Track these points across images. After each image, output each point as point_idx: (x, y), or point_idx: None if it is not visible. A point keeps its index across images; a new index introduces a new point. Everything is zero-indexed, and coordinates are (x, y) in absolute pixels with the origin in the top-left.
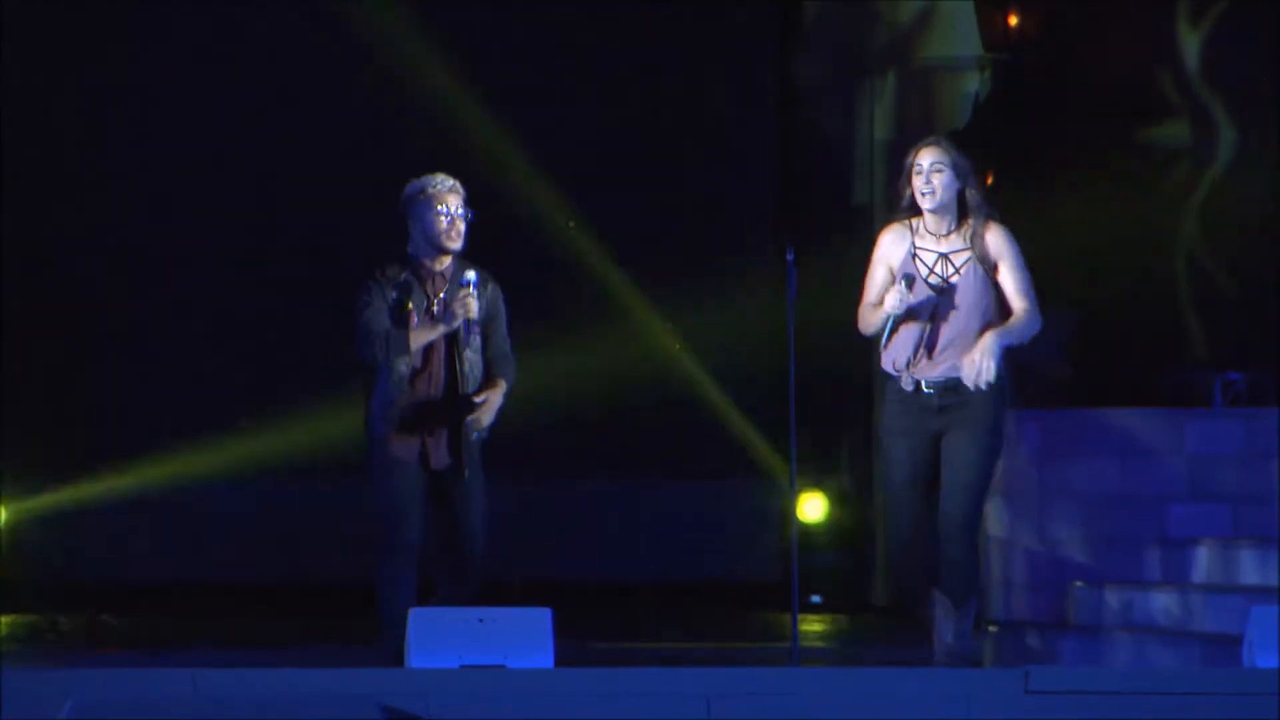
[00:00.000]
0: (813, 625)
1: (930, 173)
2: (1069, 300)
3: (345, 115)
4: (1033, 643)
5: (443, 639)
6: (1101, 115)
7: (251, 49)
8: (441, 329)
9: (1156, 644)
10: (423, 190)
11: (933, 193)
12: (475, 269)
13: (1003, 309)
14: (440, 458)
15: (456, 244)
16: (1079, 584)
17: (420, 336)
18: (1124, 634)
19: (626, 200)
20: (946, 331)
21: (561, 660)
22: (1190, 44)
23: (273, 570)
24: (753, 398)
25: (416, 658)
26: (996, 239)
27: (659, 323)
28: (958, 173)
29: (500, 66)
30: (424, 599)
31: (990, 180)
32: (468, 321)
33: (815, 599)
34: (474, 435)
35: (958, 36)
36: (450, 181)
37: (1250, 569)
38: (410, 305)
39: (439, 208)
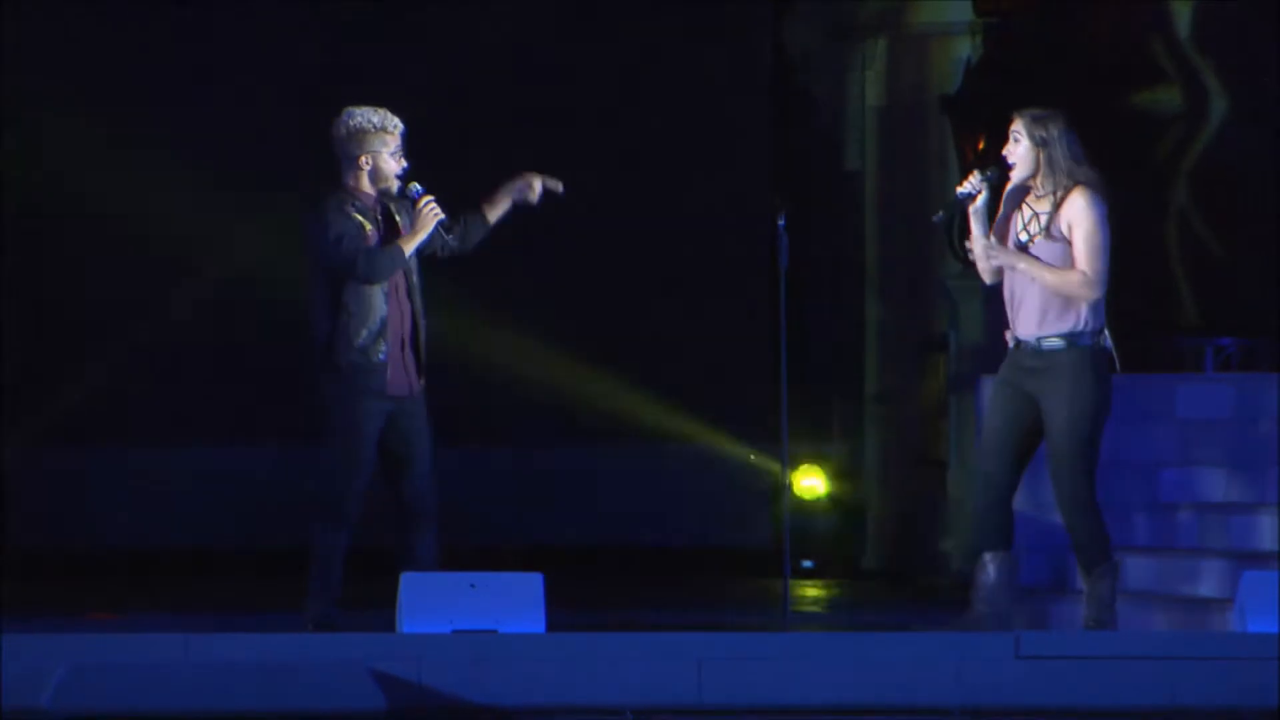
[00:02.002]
0: (804, 590)
1: (1011, 141)
2: None
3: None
4: (1023, 608)
5: (435, 604)
6: (1093, 81)
7: (256, 47)
8: (422, 235)
9: (1148, 608)
10: (381, 127)
11: (1016, 164)
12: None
13: None
14: (412, 381)
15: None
16: (1069, 549)
17: (408, 245)
18: (1116, 598)
19: (621, 169)
20: (1020, 291)
21: (553, 626)
22: (1182, 10)
23: (265, 535)
24: (746, 364)
25: (409, 623)
26: (1074, 207)
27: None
28: (1034, 140)
29: (491, 39)
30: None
31: (981, 146)
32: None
33: (806, 564)
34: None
35: (949, 2)
36: (396, 119)
37: (1241, 534)
38: (369, 228)
39: (392, 148)
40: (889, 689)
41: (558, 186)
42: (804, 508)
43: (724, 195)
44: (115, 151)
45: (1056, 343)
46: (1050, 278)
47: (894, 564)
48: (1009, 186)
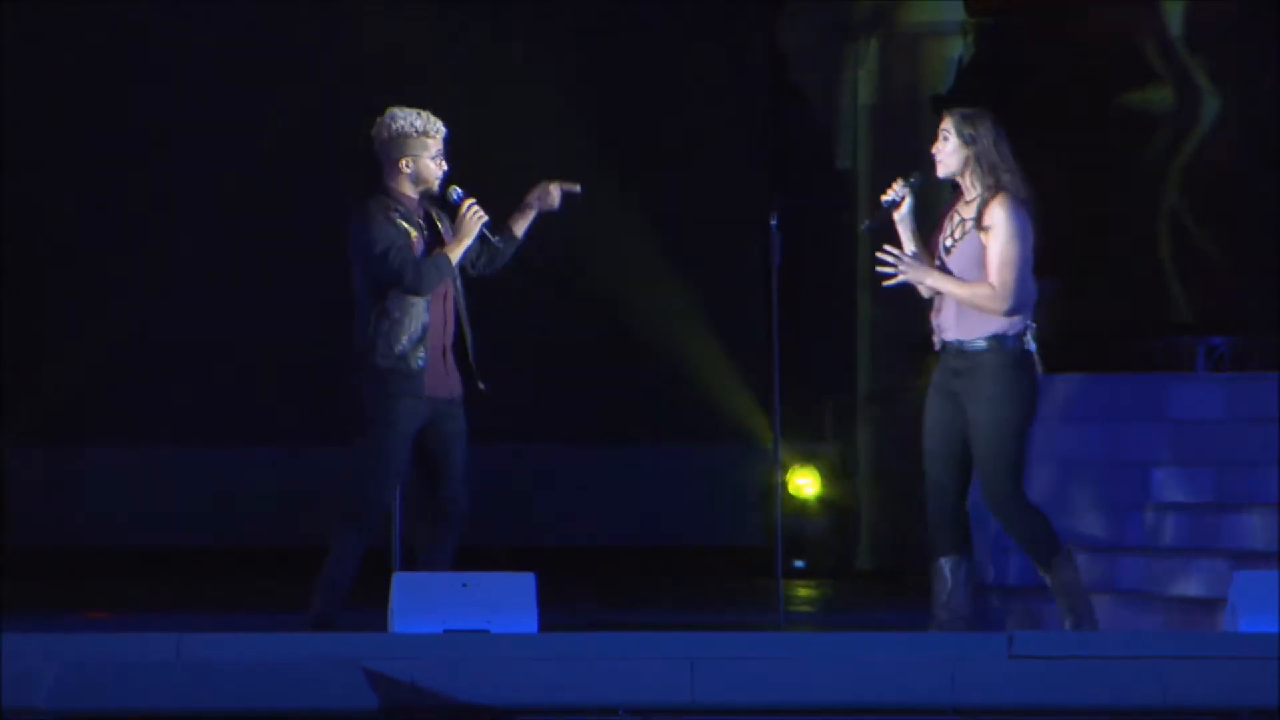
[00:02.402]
0: (798, 590)
1: (940, 139)
2: (1050, 265)
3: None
4: (1016, 607)
5: (427, 604)
6: (1084, 80)
7: (260, 47)
8: (467, 241)
9: (1140, 608)
10: (424, 131)
11: (941, 162)
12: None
13: None
14: (453, 385)
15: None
16: None
17: (455, 253)
18: (1107, 598)
19: (614, 167)
20: (938, 298)
21: (545, 625)
22: (1173, 10)
23: (258, 534)
24: (740, 362)
25: (401, 623)
26: (992, 216)
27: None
28: (962, 138)
29: (489, 40)
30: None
31: None
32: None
33: (799, 564)
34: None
35: (941, 2)
36: (439, 123)
37: (1233, 533)
38: (414, 234)
39: (433, 151)
40: (882, 688)
41: (575, 188)
42: (797, 507)
43: (717, 194)
44: (115, 151)
45: (979, 344)
46: (961, 292)
47: (887, 564)
48: (959, 200)
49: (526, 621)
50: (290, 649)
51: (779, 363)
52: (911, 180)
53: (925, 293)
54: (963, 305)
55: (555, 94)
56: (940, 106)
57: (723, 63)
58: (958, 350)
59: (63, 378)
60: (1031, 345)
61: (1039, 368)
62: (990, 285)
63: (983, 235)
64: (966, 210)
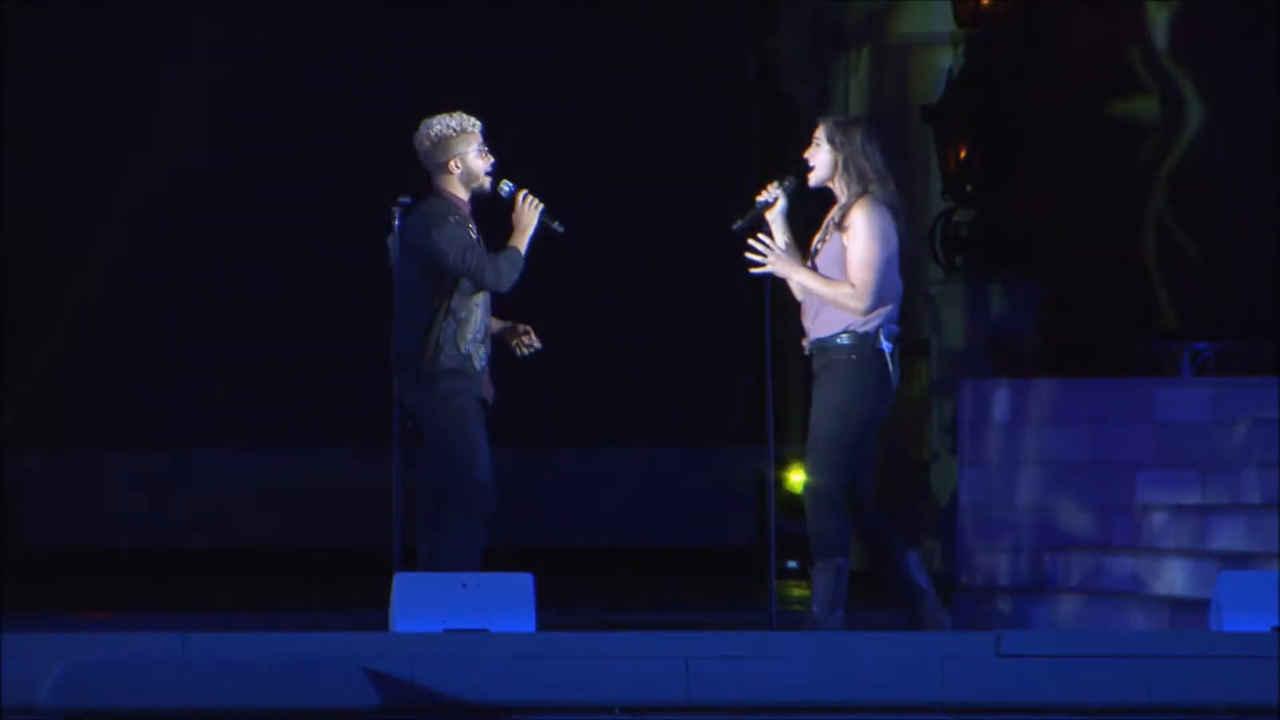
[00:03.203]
0: (790, 590)
1: (813, 145)
2: (1039, 271)
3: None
4: (1004, 607)
5: (427, 604)
6: (1072, 90)
7: (257, 50)
8: (529, 230)
9: (1126, 608)
10: (462, 129)
11: (812, 168)
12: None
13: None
14: (491, 388)
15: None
16: (1050, 549)
17: (521, 245)
18: (1094, 598)
19: (606, 175)
20: (807, 297)
21: (544, 625)
22: (1159, 20)
23: (262, 534)
24: (731, 365)
25: (402, 622)
26: (854, 218)
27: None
28: (834, 145)
29: (482, 49)
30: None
31: (963, 154)
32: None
33: (791, 564)
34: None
35: (931, 13)
36: (473, 119)
37: (1218, 534)
38: (474, 234)
39: (477, 146)
40: (873, 687)
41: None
42: (789, 508)
43: (709, 202)
44: (121, 156)
45: (833, 341)
46: (823, 290)
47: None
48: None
49: (525, 621)
50: (293, 648)
51: (770, 365)
52: (786, 183)
53: (797, 292)
54: (825, 302)
55: (544, 104)
56: (930, 116)
57: (713, 72)
58: (818, 349)
59: (67, 380)
60: (886, 345)
61: (891, 367)
62: (850, 284)
63: (844, 236)
64: (837, 215)
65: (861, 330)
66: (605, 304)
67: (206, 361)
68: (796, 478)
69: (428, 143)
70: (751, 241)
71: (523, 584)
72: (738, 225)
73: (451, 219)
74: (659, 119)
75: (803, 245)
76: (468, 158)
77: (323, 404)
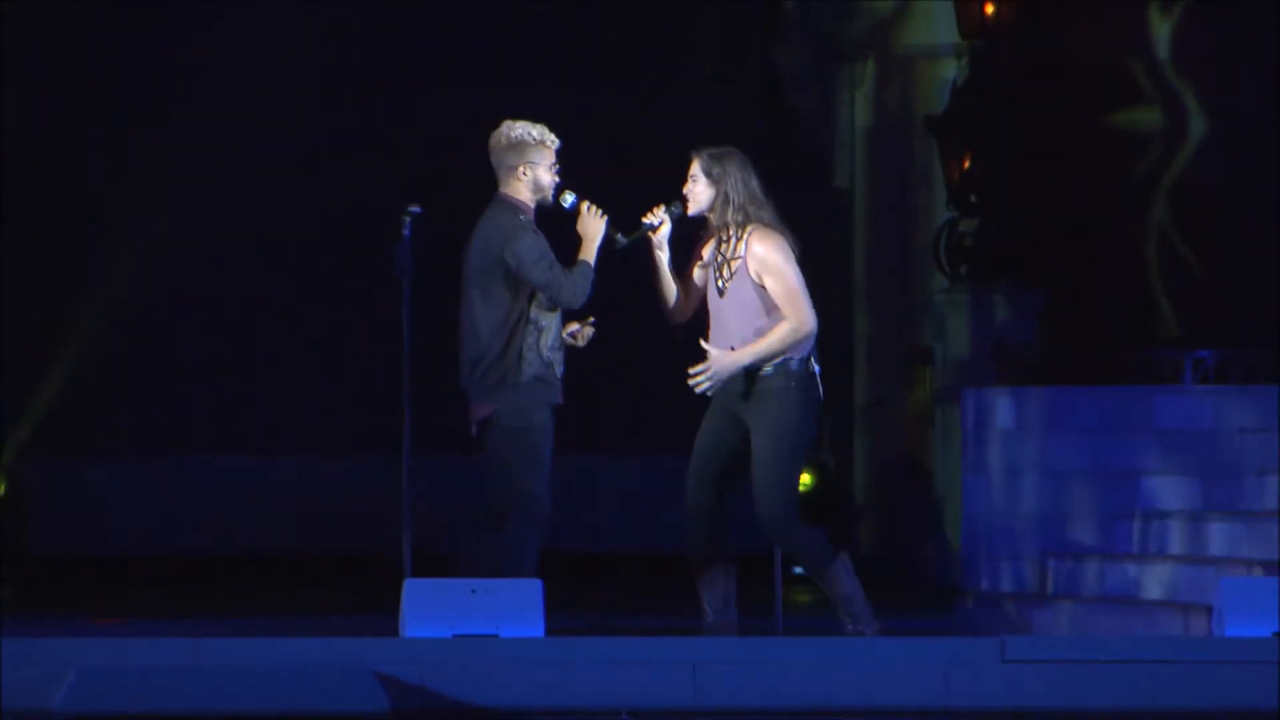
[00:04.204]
0: (795, 596)
1: (689, 179)
2: (1042, 280)
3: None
4: (1008, 613)
5: (437, 609)
6: (1075, 101)
7: (261, 53)
8: (597, 241)
9: (1128, 614)
10: (540, 140)
11: (692, 200)
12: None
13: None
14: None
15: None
16: (1053, 555)
17: (591, 257)
18: (1097, 604)
19: (610, 187)
20: (723, 319)
21: (552, 630)
22: (1161, 32)
23: (273, 540)
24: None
25: (411, 627)
26: (756, 256)
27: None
28: (710, 177)
29: (484, 58)
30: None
31: (967, 164)
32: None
33: (796, 570)
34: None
35: (935, 24)
36: (554, 135)
37: (1219, 541)
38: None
39: (549, 161)
40: (877, 691)
41: (590, 329)
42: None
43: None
44: (128, 163)
45: (766, 370)
46: (775, 346)
47: (882, 569)
48: (711, 236)
49: (534, 626)
50: (304, 654)
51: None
52: (672, 209)
53: (682, 320)
54: (782, 352)
55: (547, 114)
56: (934, 127)
57: (718, 84)
58: (752, 379)
59: (78, 389)
60: (816, 367)
61: (820, 390)
62: (789, 323)
63: (753, 272)
64: (727, 249)
65: (795, 356)
66: (611, 311)
67: (217, 368)
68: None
69: (505, 141)
70: (690, 373)
71: (531, 589)
72: (622, 243)
73: (530, 230)
74: (663, 130)
75: (679, 265)
76: (538, 169)
77: (334, 410)
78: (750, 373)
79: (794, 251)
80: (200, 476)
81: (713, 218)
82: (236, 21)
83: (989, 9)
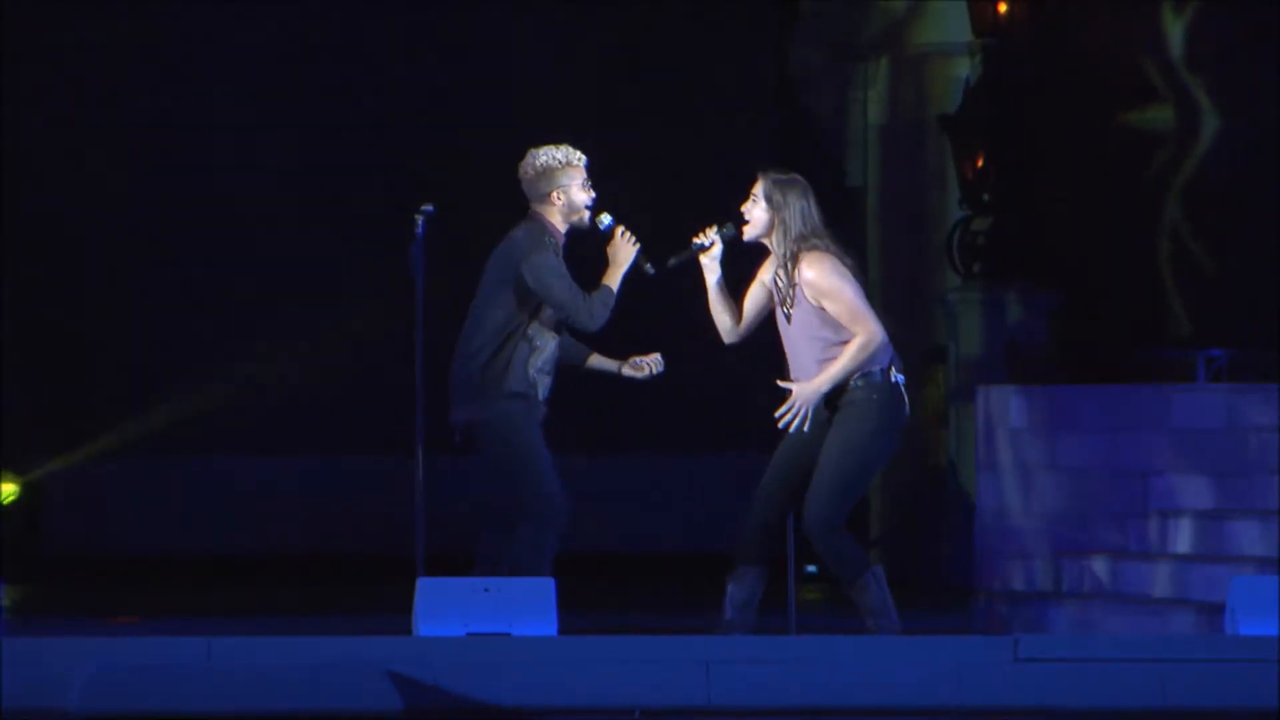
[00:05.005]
0: (809, 595)
1: (750, 200)
2: (1055, 279)
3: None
4: (1021, 612)
5: (450, 608)
6: (1088, 100)
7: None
8: (624, 267)
9: (1142, 613)
10: (567, 162)
11: (750, 223)
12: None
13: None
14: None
15: None
16: (1066, 554)
17: (615, 283)
18: (1110, 603)
19: (624, 185)
20: (792, 348)
21: (565, 629)
22: (1174, 30)
23: (286, 540)
24: (752, 373)
25: (424, 626)
26: (810, 281)
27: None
28: (770, 203)
29: (499, 60)
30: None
31: (980, 163)
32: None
33: (810, 569)
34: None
35: (948, 23)
36: (579, 153)
37: (1233, 540)
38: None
39: (581, 179)
40: (891, 690)
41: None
42: None
43: (726, 213)
44: (145, 167)
45: (849, 384)
46: (849, 366)
47: (896, 569)
48: (768, 259)
49: (546, 625)
50: (317, 653)
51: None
52: (724, 229)
53: (823, 386)
54: (859, 368)
55: (561, 118)
56: (948, 126)
57: (732, 83)
58: (839, 392)
59: (93, 390)
60: (899, 377)
61: (906, 400)
62: (858, 339)
63: (809, 297)
64: (785, 277)
65: (876, 369)
66: (623, 310)
67: (230, 368)
68: None
69: (532, 172)
70: (781, 416)
71: (544, 589)
72: (672, 262)
73: (551, 249)
74: (677, 130)
75: (732, 287)
76: (570, 190)
77: (346, 410)
78: (841, 389)
79: (849, 269)
80: (214, 476)
81: (769, 244)
82: (245, 18)
83: (1002, 8)
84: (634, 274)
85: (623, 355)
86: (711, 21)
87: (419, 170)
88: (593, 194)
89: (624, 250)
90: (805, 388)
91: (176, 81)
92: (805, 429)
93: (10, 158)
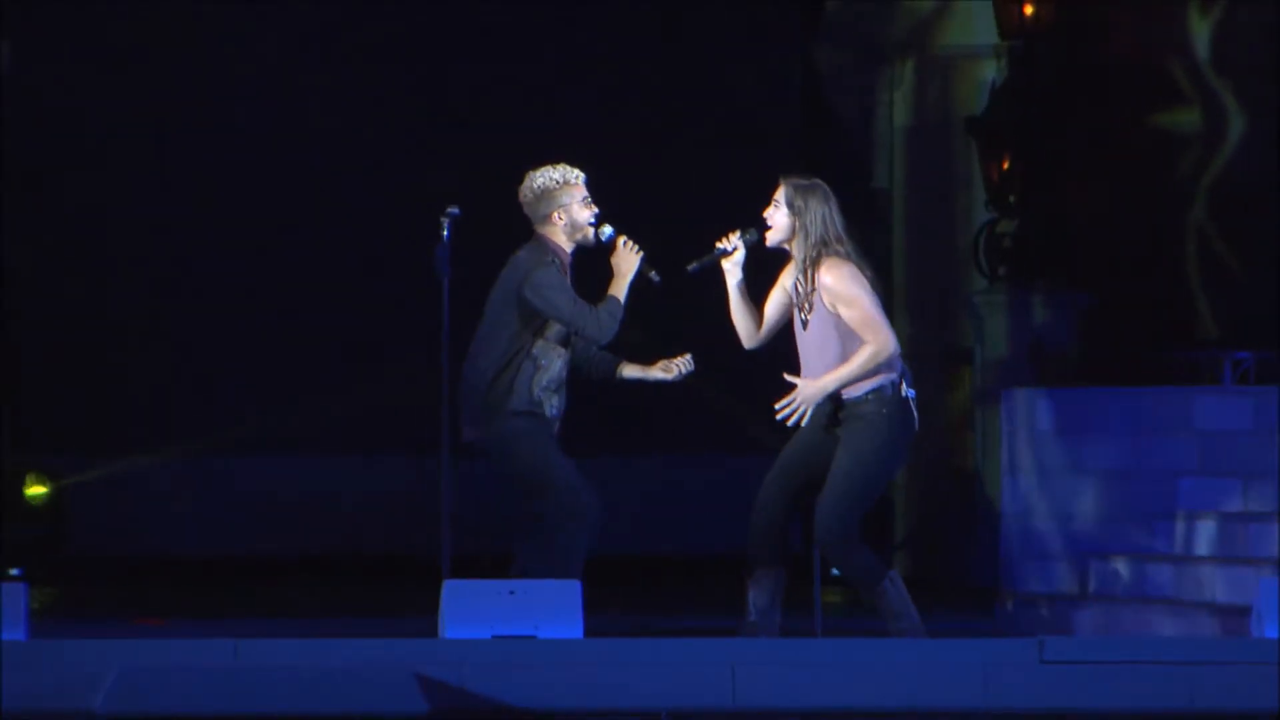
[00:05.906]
0: (833, 597)
1: (772, 205)
2: (1081, 281)
3: (369, 99)
4: (1047, 614)
5: (475, 610)
6: (1114, 101)
7: (274, 62)
8: (629, 277)
9: (1167, 615)
10: (565, 181)
11: (773, 228)
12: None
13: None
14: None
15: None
16: (1092, 556)
17: (621, 294)
18: (1136, 605)
19: (650, 186)
20: (806, 354)
21: (590, 631)
22: (1200, 32)
23: (312, 542)
24: (776, 375)
25: (450, 628)
26: (827, 286)
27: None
28: (792, 208)
29: (527, 59)
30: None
31: (1006, 165)
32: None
33: (835, 571)
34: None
35: (975, 25)
36: (576, 170)
37: (1259, 542)
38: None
39: (581, 196)
40: (916, 693)
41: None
42: None
43: (751, 214)
44: (165, 169)
45: (860, 398)
46: (856, 371)
47: (921, 571)
48: (789, 264)
49: (572, 627)
50: (343, 654)
51: None
52: (748, 235)
53: (755, 344)
54: (867, 374)
55: (587, 119)
56: (974, 128)
57: (758, 85)
58: (848, 405)
59: (119, 391)
60: (910, 392)
61: (915, 415)
62: (869, 346)
63: (826, 302)
64: (804, 283)
65: (887, 384)
66: (645, 311)
67: (256, 369)
68: None
69: (531, 195)
70: (778, 409)
71: (570, 590)
72: (693, 267)
73: (554, 267)
74: (702, 130)
75: (753, 290)
76: (571, 209)
77: (372, 412)
78: (844, 399)
79: (867, 279)
80: (240, 477)
81: (791, 249)
82: (269, 19)
83: (1028, 10)
84: (641, 283)
85: (652, 360)
86: (737, 23)
87: (443, 172)
88: (595, 209)
89: (627, 260)
90: (809, 384)
91: (199, 83)
92: (803, 424)
93: (29, 164)
